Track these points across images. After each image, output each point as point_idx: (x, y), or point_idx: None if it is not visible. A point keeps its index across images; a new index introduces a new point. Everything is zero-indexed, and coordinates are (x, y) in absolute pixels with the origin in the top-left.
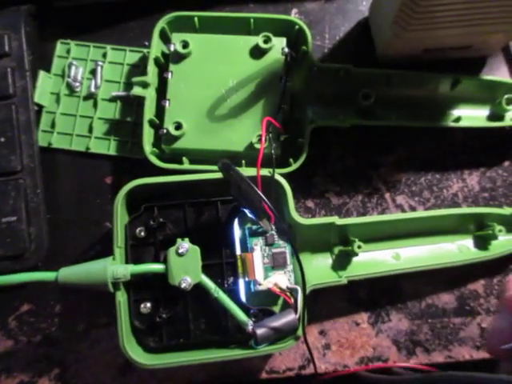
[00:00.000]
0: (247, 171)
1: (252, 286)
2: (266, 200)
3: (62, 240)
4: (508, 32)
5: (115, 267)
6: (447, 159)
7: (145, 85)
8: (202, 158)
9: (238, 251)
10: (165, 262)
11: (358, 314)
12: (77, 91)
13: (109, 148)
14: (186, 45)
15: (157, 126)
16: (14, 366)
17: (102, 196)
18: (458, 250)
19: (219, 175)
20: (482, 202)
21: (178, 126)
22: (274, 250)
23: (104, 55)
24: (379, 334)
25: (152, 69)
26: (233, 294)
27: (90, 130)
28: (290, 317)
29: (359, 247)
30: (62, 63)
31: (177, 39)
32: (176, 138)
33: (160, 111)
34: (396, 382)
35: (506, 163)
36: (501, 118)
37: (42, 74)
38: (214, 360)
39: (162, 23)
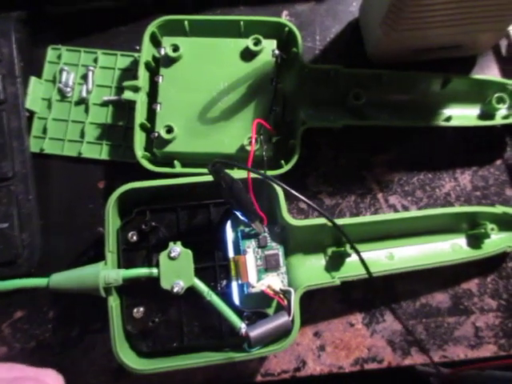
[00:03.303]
0: (238, 173)
1: (245, 289)
2: (252, 199)
3: (54, 246)
4: (497, 31)
5: (107, 272)
6: (439, 159)
7: (136, 89)
8: (194, 161)
9: (231, 254)
10: (157, 266)
11: (353, 314)
12: (68, 96)
13: (101, 153)
14: (176, 48)
15: (148, 129)
16: None
17: (94, 201)
18: (451, 249)
19: (211, 178)
20: (475, 201)
21: (170, 130)
22: (267, 252)
23: (95, 60)
24: (374, 334)
25: (143, 73)
26: (226, 296)
27: (82, 135)
28: (283, 319)
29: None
30: (53, 69)
31: (167, 43)
32: (167, 142)
33: (151, 115)
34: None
35: (498, 162)
36: (491, 116)
37: (33, 79)
38: (208, 364)
39: (152, 27)
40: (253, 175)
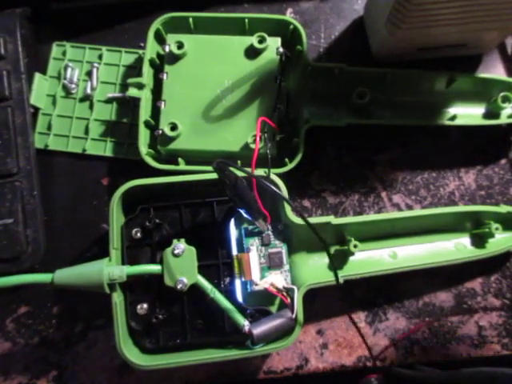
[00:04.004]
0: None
1: (248, 287)
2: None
3: (58, 242)
4: (502, 29)
5: (111, 268)
6: (443, 157)
7: (140, 86)
8: (198, 158)
9: (235, 251)
10: (161, 262)
11: (356, 313)
12: (73, 93)
13: (105, 149)
14: (180, 45)
15: (152, 127)
16: (11, 369)
17: (98, 197)
18: (454, 248)
19: (215, 176)
20: (479, 200)
21: (174, 127)
22: (270, 250)
23: (100, 57)
24: (377, 332)
25: (147, 70)
26: (229, 294)
27: (87, 131)
28: (286, 316)
29: (355, 246)
30: (58, 65)
31: (172, 40)
32: (172, 139)
33: (156, 112)
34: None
35: (503, 161)
36: (496, 115)
37: (37, 76)
38: (211, 361)
39: (156, 24)
40: (256, 173)
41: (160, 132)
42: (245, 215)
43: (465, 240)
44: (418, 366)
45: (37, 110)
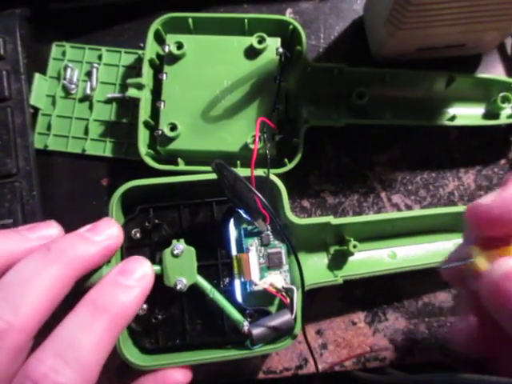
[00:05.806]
0: (241, 172)
1: (248, 287)
2: (260, 196)
3: None
4: (502, 30)
5: (110, 269)
6: (443, 158)
7: (140, 86)
8: (197, 159)
9: (234, 252)
10: (160, 263)
11: (355, 313)
12: (72, 93)
13: (105, 150)
14: (180, 46)
15: (152, 127)
16: None
17: (98, 198)
18: (454, 248)
19: (214, 176)
20: None
21: (173, 128)
22: (270, 251)
23: (99, 57)
24: (376, 333)
25: (147, 70)
26: (228, 294)
27: (86, 131)
28: (285, 317)
29: (355, 247)
30: (58, 65)
31: (171, 40)
32: (171, 140)
33: (155, 112)
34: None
35: (502, 161)
36: (496, 116)
37: (37, 76)
38: (211, 361)
39: (156, 24)
40: (255, 173)
41: (159, 132)
42: (244, 215)
43: None
44: (389, 369)
45: (36, 110)
